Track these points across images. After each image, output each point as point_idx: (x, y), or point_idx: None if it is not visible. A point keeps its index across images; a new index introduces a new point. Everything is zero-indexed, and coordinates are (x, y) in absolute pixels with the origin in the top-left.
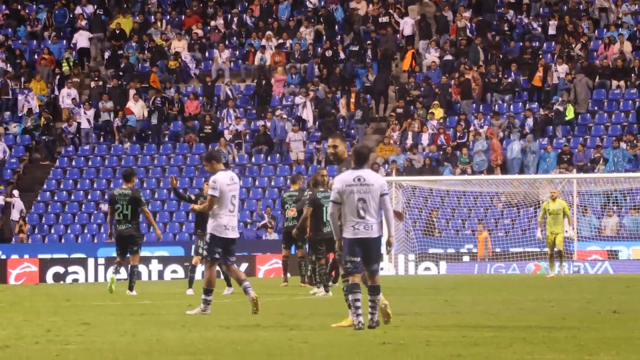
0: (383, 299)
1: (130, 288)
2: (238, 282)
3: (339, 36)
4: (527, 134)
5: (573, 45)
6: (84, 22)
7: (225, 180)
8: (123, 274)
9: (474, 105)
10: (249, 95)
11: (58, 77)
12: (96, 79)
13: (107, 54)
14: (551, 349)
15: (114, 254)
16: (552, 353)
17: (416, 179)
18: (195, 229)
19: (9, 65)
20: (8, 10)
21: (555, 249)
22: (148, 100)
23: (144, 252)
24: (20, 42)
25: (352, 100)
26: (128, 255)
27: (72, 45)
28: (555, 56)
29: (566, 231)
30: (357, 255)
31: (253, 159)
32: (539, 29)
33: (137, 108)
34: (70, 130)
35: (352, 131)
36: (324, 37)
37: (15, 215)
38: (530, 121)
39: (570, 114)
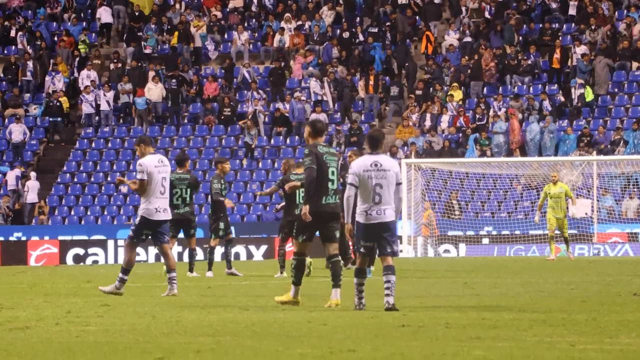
0: (338, 300)
1: (191, 270)
2: (167, 270)
3: (358, 18)
4: (546, 115)
5: (593, 27)
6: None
7: (153, 163)
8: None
9: (493, 87)
10: (267, 77)
11: (77, 59)
12: (115, 60)
13: (125, 35)
14: (571, 331)
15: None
16: (572, 335)
17: (435, 161)
18: (211, 212)
19: (29, 47)
20: None
21: (558, 233)
22: (167, 82)
23: None
24: (40, 24)
25: (371, 82)
26: (183, 237)
27: (97, 19)
28: (574, 38)
29: (572, 213)
30: (371, 240)
31: (272, 141)
32: (558, 11)
33: (156, 90)
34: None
35: (372, 112)
36: (343, 19)
37: (31, 197)
38: (548, 103)
39: (589, 96)
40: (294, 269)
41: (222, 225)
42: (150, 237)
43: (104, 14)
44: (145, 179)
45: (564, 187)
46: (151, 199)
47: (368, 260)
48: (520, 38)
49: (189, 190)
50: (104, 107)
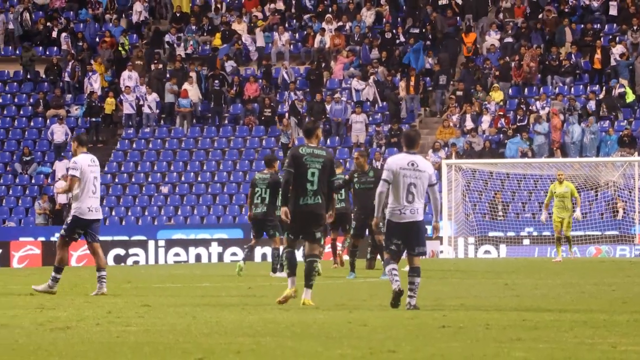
0: (309, 301)
1: (274, 270)
2: (97, 268)
3: (399, 18)
4: (589, 115)
5: (635, 27)
6: (144, 4)
7: (87, 162)
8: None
9: (534, 88)
10: (305, 78)
11: (118, 60)
12: (155, 62)
13: (167, 37)
14: (612, 332)
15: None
16: (613, 337)
17: (476, 161)
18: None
19: (72, 48)
20: None
21: (562, 234)
22: (207, 83)
23: (204, 235)
24: (82, 25)
25: (412, 83)
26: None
27: (129, 19)
28: (612, 38)
29: (574, 210)
30: (401, 239)
31: None
32: (599, 11)
33: (193, 90)
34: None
35: (412, 113)
36: (384, 19)
37: (61, 197)
38: (591, 104)
39: (630, 97)
40: (286, 261)
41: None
42: (83, 237)
43: (135, 15)
44: (77, 176)
45: (569, 186)
46: (84, 199)
47: (399, 259)
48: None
49: (267, 190)
50: (145, 108)
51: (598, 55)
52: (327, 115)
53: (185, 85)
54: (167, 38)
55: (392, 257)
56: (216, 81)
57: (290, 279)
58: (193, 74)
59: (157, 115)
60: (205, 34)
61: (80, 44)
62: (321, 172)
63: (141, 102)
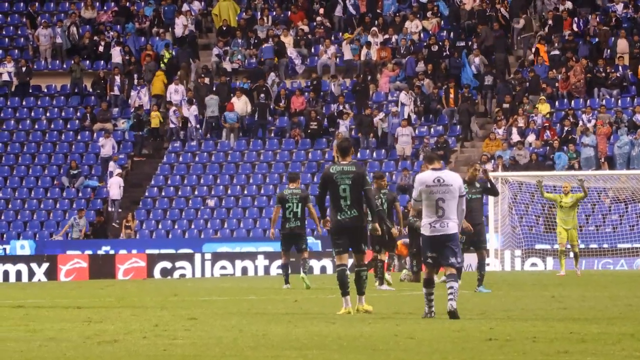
0: (365, 306)
1: (306, 271)
2: None
3: (445, 31)
4: (636, 128)
5: None
6: (191, 19)
7: None
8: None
9: (580, 100)
10: (351, 91)
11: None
12: (202, 75)
13: (215, 50)
14: None
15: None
16: None
17: (522, 174)
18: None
19: (124, 61)
20: (117, 7)
21: (569, 247)
22: (253, 96)
23: (250, 248)
24: (128, 38)
25: (451, 95)
26: (294, 250)
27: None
28: None
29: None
30: (435, 252)
31: (359, 155)
32: None
33: (240, 104)
34: (173, 120)
35: (456, 125)
36: (430, 32)
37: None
38: (638, 116)
39: None
40: (338, 281)
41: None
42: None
43: (179, 29)
44: None
45: (574, 196)
46: None
47: (435, 269)
48: (609, 51)
49: (299, 204)
50: (191, 121)
51: None
52: (374, 128)
53: (233, 99)
54: (215, 51)
55: (430, 273)
56: (262, 95)
57: (344, 298)
58: (240, 88)
59: (195, 129)
60: (251, 48)
61: (127, 57)
62: (352, 187)
63: (186, 116)
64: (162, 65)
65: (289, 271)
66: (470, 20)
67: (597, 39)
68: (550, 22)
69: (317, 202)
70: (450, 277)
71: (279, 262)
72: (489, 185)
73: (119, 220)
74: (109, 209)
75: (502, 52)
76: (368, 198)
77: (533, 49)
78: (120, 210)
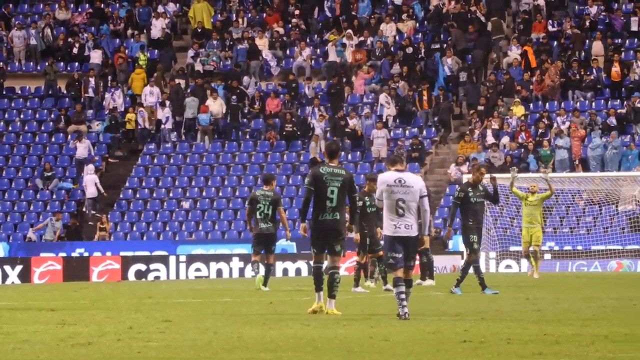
0: (333, 310)
1: (265, 284)
2: None
3: (420, 34)
4: (611, 129)
5: None
6: (166, 21)
7: None
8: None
9: (555, 102)
10: (326, 93)
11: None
12: (175, 78)
13: (190, 52)
14: (634, 347)
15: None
16: (634, 351)
17: (498, 176)
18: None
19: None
20: (91, 9)
21: (531, 249)
22: (227, 98)
23: (225, 250)
24: (102, 40)
25: (425, 97)
26: (263, 252)
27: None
28: (636, 52)
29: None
30: (399, 252)
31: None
32: (620, 27)
33: (215, 106)
34: (146, 126)
35: (432, 129)
36: (405, 34)
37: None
38: (612, 119)
39: None
40: (313, 277)
41: (368, 241)
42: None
43: (155, 31)
44: None
45: (540, 196)
46: None
47: (402, 270)
48: (583, 53)
49: (270, 206)
50: (165, 123)
51: (616, 68)
52: (347, 130)
53: (208, 101)
54: (190, 53)
55: (396, 273)
56: (234, 96)
57: (317, 294)
58: (214, 89)
59: (168, 131)
60: (227, 50)
61: (103, 59)
62: (340, 190)
63: (160, 117)
64: (136, 67)
65: (259, 268)
66: (445, 22)
67: (569, 42)
68: (521, 26)
69: (304, 202)
70: (406, 284)
71: None
72: (491, 192)
73: (93, 222)
74: (84, 209)
75: (479, 54)
76: (354, 203)
77: (519, 51)
78: (93, 212)
